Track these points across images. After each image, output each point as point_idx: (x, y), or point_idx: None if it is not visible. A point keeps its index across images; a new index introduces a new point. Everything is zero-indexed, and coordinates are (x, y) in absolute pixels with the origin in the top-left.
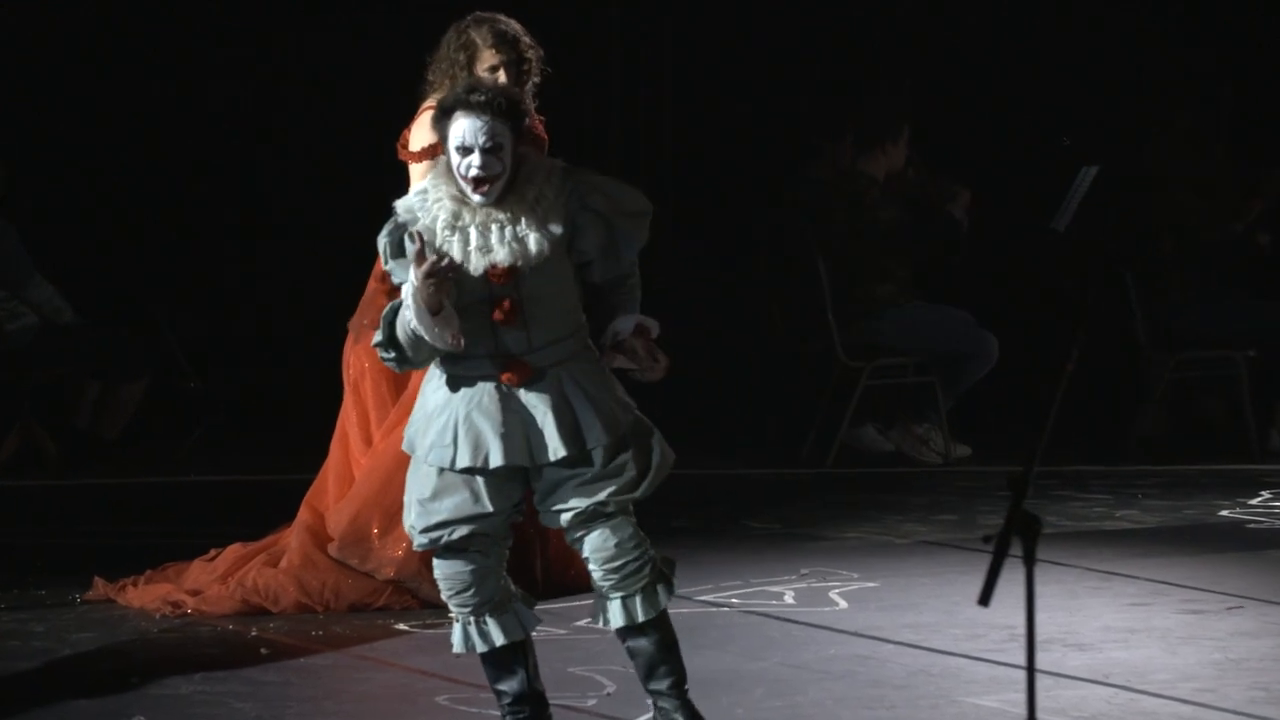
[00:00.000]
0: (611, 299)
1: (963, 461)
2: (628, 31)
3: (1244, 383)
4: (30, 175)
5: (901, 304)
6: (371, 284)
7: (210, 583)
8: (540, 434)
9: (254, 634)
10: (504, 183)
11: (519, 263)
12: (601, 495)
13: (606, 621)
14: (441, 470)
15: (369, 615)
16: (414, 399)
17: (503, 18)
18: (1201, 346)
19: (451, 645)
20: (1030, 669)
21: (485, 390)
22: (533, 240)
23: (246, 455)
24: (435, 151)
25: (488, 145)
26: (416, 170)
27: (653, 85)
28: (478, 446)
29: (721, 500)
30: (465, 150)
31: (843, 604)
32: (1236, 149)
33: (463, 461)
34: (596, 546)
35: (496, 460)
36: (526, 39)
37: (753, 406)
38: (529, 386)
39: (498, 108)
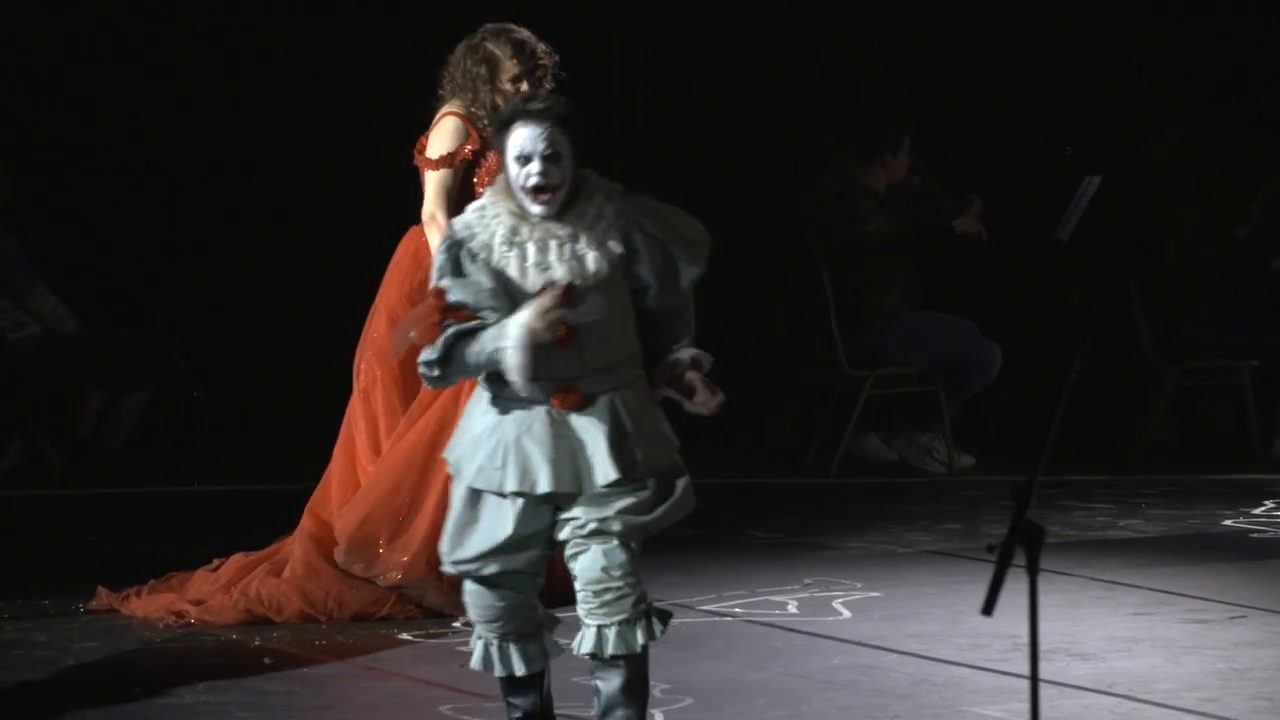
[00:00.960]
0: (666, 329)
1: (966, 471)
2: (628, 32)
3: (1247, 391)
4: (32, 183)
5: (904, 313)
6: (430, 300)
7: (213, 592)
8: (589, 460)
9: (257, 643)
10: (564, 195)
11: (577, 281)
12: (610, 511)
13: (579, 647)
14: (477, 498)
15: (372, 624)
16: (428, 406)
17: (514, 26)
18: (1205, 355)
19: (465, 658)
20: (1034, 679)
21: (536, 415)
22: (591, 259)
23: (249, 464)
24: (454, 159)
25: (547, 153)
26: (433, 178)
27: (653, 85)
28: (526, 471)
29: (725, 509)
30: (524, 159)
31: (846, 613)
32: (1237, 152)
33: (511, 485)
34: (586, 567)
35: (544, 486)
36: (542, 46)
37: (756, 415)
38: (580, 412)
39: (557, 115)
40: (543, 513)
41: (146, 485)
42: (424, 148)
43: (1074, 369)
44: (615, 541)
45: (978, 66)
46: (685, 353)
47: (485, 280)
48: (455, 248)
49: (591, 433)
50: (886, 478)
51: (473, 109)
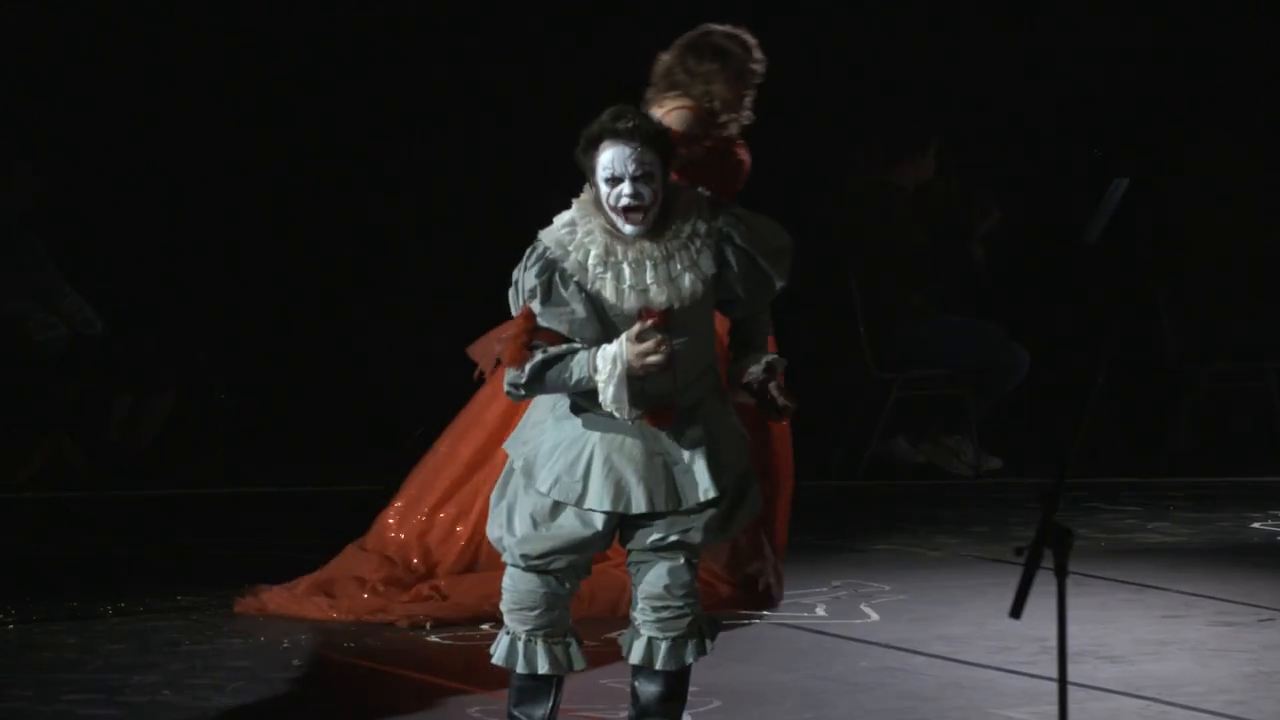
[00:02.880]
0: (742, 334)
1: (994, 473)
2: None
3: (1275, 394)
4: (58, 184)
5: (932, 316)
6: (519, 320)
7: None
8: (690, 473)
9: (285, 645)
10: (655, 213)
11: (675, 304)
12: (694, 524)
13: (628, 653)
14: (557, 502)
15: (402, 626)
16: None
17: (738, 29)
18: (1232, 358)
19: (490, 655)
20: (1062, 681)
21: (626, 430)
22: (687, 280)
23: (274, 466)
24: (688, 143)
25: (638, 174)
26: None
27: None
28: (619, 492)
29: None
30: (615, 180)
31: (874, 616)
32: (1266, 155)
33: (598, 504)
34: (649, 581)
35: (640, 507)
36: (759, 50)
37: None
38: (676, 427)
39: (645, 135)
40: (617, 517)
41: (172, 488)
42: None
43: (1101, 373)
44: (682, 559)
45: (1003, 67)
46: (761, 360)
47: (579, 308)
48: (548, 269)
49: (688, 448)
50: (914, 480)
51: (704, 103)
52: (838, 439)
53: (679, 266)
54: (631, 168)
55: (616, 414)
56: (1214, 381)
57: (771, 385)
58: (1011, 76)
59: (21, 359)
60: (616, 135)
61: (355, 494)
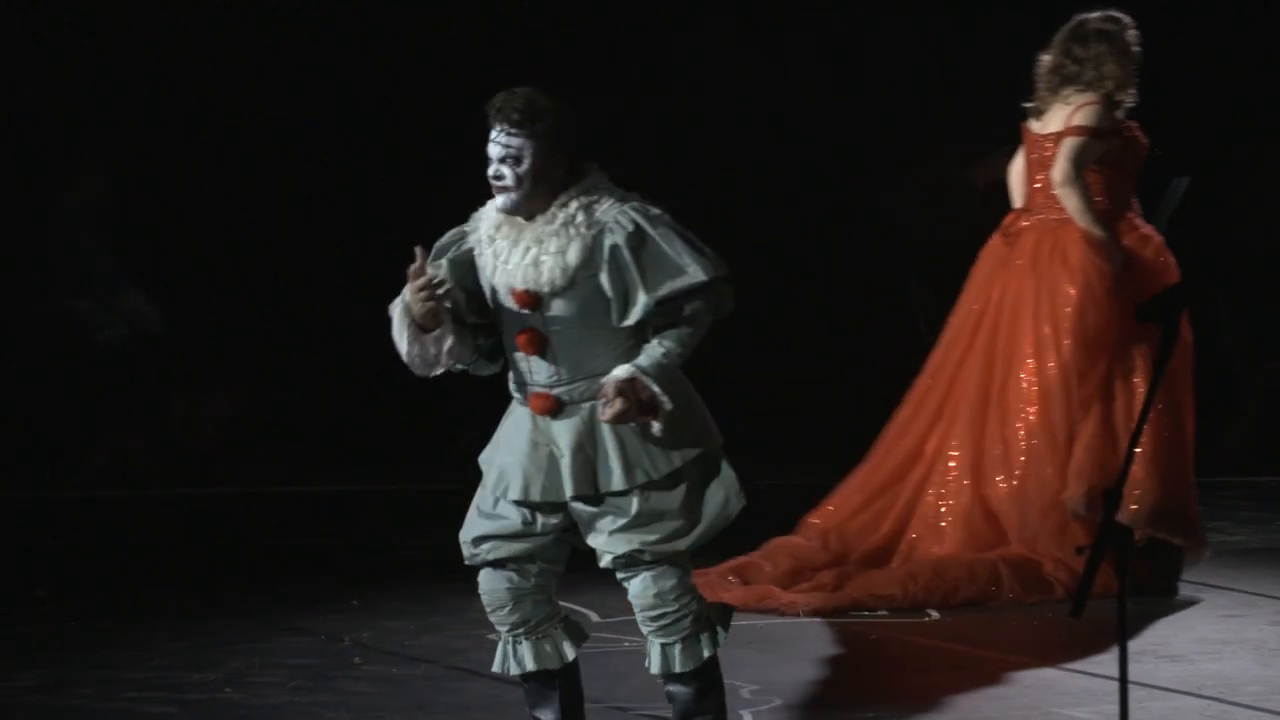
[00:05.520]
0: (646, 346)
1: None
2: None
3: None
4: (125, 186)
5: None
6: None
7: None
8: (558, 471)
9: (347, 644)
10: (524, 195)
11: (530, 287)
12: (635, 544)
13: (648, 663)
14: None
15: (462, 626)
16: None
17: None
18: None
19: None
20: (1123, 681)
21: (522, 418)
22: (546, 267)
23: (338, 465)
24: (1095, 133)
25: (501, 155)
26: (1071, 144)
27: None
28: (502, 474)
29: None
30: (488, 159)
31: (935, 615)
32: None
33: (489, 485)
34: (638, 593)
35: (514, 494)
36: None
37: (835, 416)
38: (558, 418)
39: (512, 119)
40: (556, 509)
41: (235, 486)
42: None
43: (1160, 375)
44: (662, 566)
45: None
46: (624, 369)
47: (443, 273)
48: (455, 236)
49: (562, 443)
50: None
51: (1102, 89)
52: None
53: (544, 252)
54: (496, 150)
55: (412, 362)
56: (1272, 380)
57: (609, 387)
58: None
59: (83, 357)
60: (490, 115)
61: (416, 494)
